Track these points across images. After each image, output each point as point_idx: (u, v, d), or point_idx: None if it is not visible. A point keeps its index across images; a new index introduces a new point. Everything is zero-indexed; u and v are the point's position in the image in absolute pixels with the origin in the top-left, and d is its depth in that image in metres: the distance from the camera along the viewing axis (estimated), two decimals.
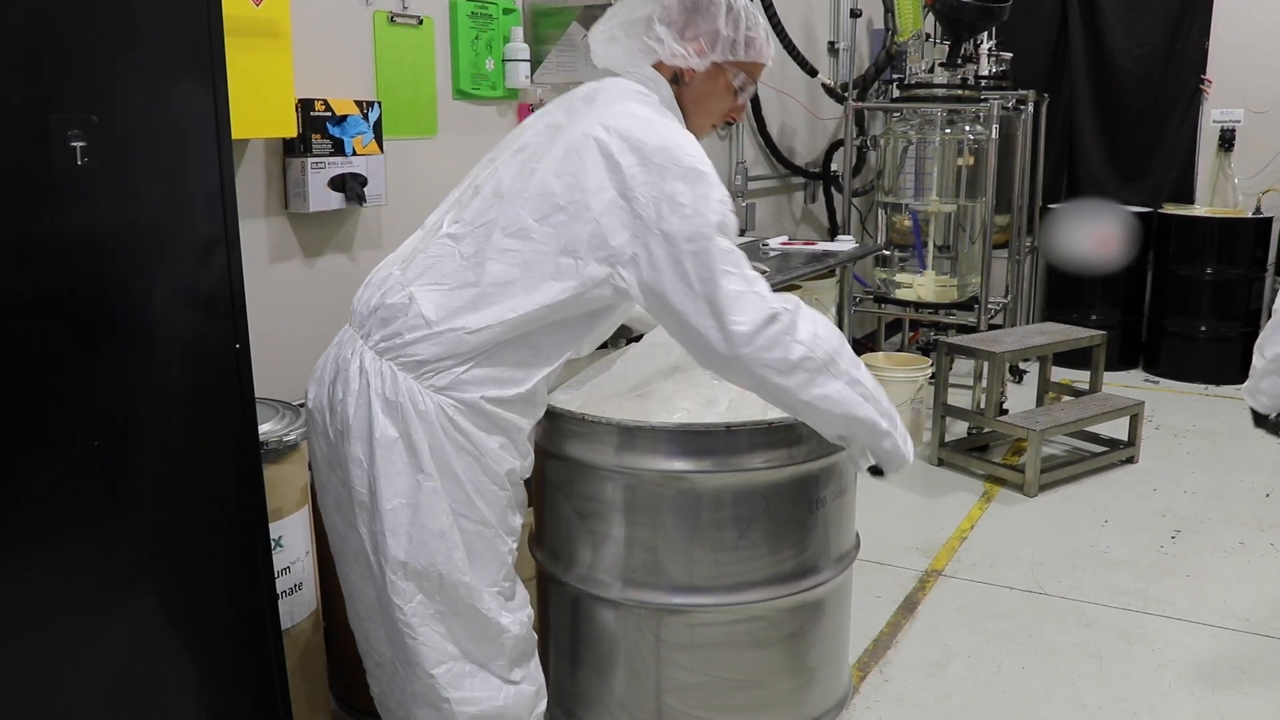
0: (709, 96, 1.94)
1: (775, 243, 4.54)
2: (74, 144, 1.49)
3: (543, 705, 1.98)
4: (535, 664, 1.97)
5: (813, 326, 1.77)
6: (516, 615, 1.89)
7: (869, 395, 1.83)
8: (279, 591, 2.03)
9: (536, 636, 1.98)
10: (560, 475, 2.03)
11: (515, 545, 1.89)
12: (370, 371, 1.80)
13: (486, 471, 1.80)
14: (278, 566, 2.05)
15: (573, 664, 2.10)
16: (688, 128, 1.92)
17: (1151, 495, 4.22)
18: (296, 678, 2.16)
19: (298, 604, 2.25)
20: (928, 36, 5.45)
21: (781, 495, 1.96)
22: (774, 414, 1.91)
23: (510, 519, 1.86)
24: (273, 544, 1.99)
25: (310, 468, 1.97)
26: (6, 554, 1.48)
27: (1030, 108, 5.22)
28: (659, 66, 1.91)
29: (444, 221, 1.87)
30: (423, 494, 1.77)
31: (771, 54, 1.96)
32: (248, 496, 1.85)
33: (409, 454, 1.77)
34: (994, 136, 4.91)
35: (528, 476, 1.91)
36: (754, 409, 2.13)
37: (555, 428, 2.00)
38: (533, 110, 3.45)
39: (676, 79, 1.91)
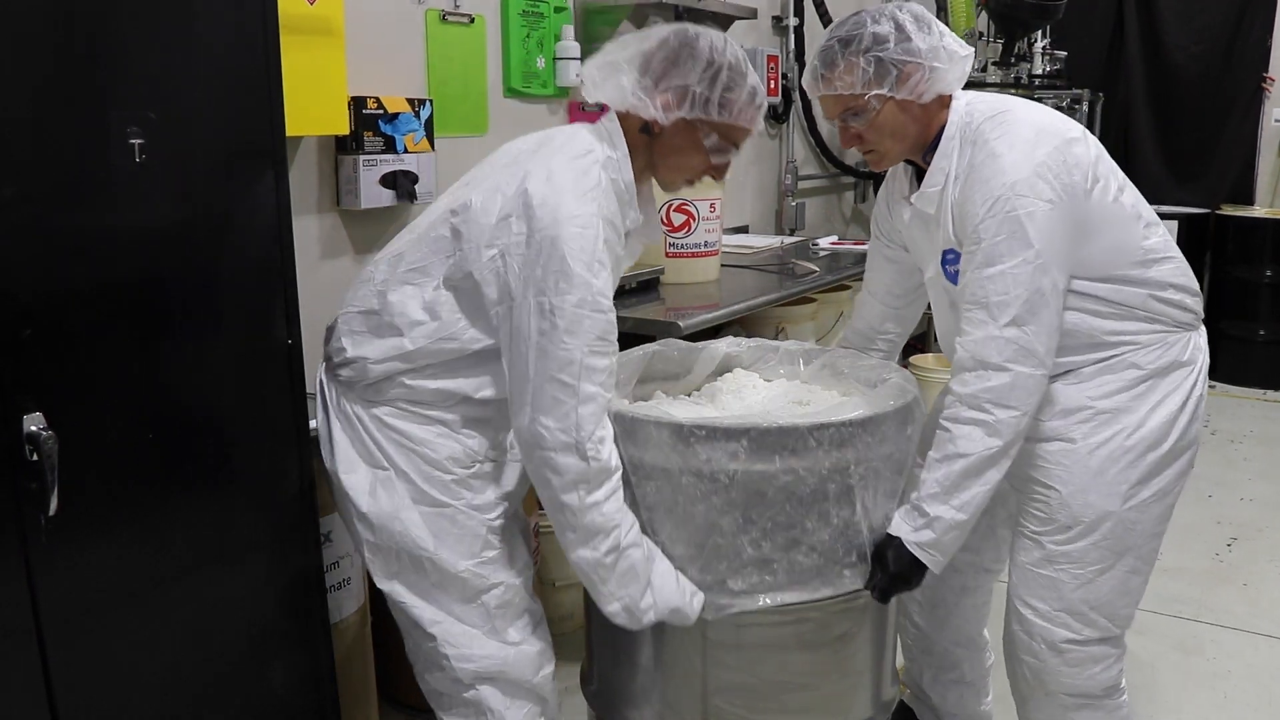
0: (678, 152, 1.90)
1: (825, 242, 4.50)
2: (132, 141, 1.50)
3: (550, 667, 2.02)
4: (539, 627, 2.01)
5: (606, 495, 1.76)
6: (499, 579, 1.94)
7: (606, 583, 1.82)
8: (327, 586, 2.04)
9: (538, 602, 2.02)
10: None
11: (496, 516, 1.93)
12: (322, 383, 1.96)
13: (427, 460, 1.88)
14: (326, 561, 2.07)
15: (618, 663, 2.09)
16: (658, 179, 1.96)
17: (1207, 501, 4.13)
18: (343, 671, 2.17)
19: (346, 598, 2.26)
20: (981, 34, 5.38)
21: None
22: (831, 415, 1.88)
23: (475, 496, 1.91)
24: (322, 538, 2.00)
25: None
26: (63, 544, 1.49)
27: (1085, 107, 5.14)
28: (629, 112, 1.88)
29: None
30: (376, 480, 1.89)
31: (757, 120, 1.91)
32: (298, 490, 1.87)
33: (357, 452, 1.90)
34: None
35: (490, 452, 1.95)
36: (824, 404, 2.12)
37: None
38: (582, 108, 3.47)
39: (648, 129, 1.88)
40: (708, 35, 1.86)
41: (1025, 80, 5.14)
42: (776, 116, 4.92)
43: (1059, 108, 4.96)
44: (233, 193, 1.68)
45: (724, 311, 3.05)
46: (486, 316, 1.83)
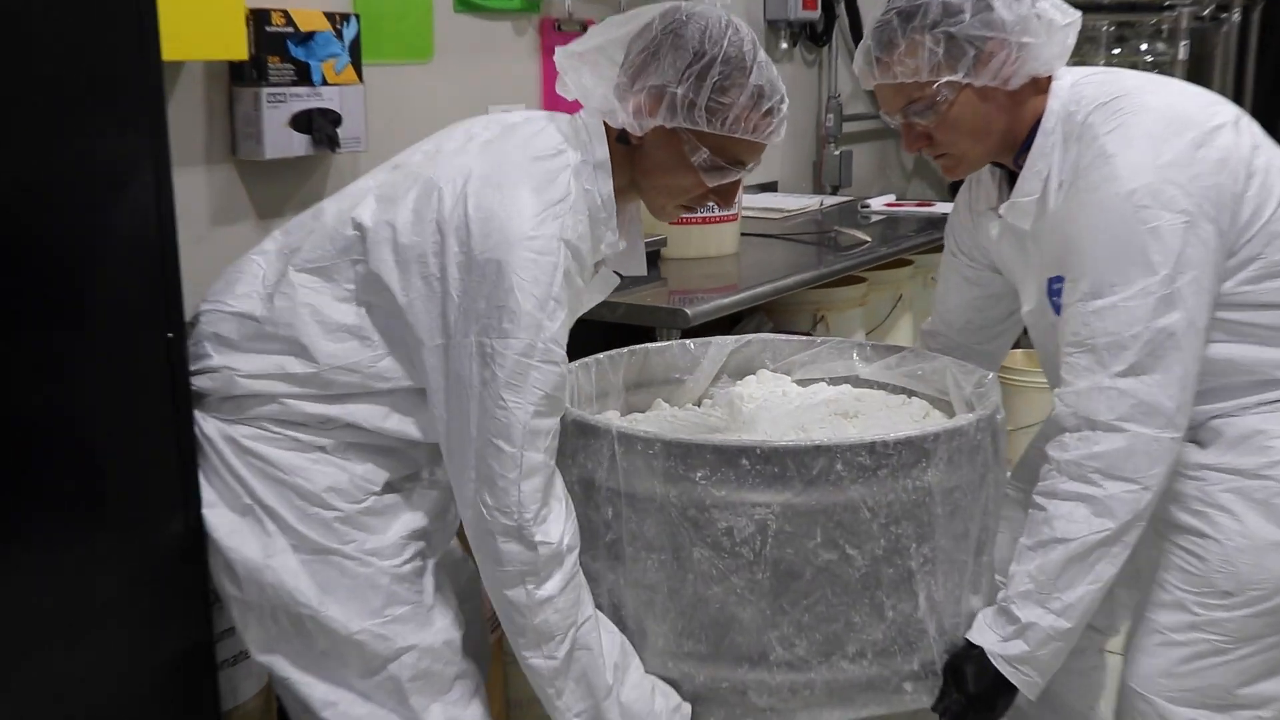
0: (661, 170, 1.92)
1: (878, 203, 4.50)
2: None
3: None
4: (474, 700, 2.01)
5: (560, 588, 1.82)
6: (410, 643, 1.93)
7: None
8: (219, 661, 2.04)
9: (471, 663, 2.02)
10: (598, 513, 2.01)
11: (403, 561, 1.94)
12: None
13: (300, 494, 1.89)
14: (219, 628, 2.05)
15: None
16: (645, 203, 2.00)
17: None
18: None
19: (243, 677, 2.25)
20: None
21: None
22: (878, 432, 1.87)
23: (370, 538, 1.92)
24: (213, 598, 1.99)
25: None
26: None
27: (1236, 16, 5.10)
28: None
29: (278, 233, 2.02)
30: (239, 518, 1.90)
31: (766, 129, 1.90)
32: (181, 533, 1.86)
33: (211, 483, 1.91)
34: (1183, 58, 4.81)
35: (392, 481, 1.97)
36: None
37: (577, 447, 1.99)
38: (558, 27, 3.46)
39: (625, 138, 1.89)
40: (702, 19, 1.86)
41: None
42: (815, 38, 4.92)
43: (1199, 19, 4.91)
44: (90, 137, 1.66)
45: (744, 295, 3.07)
46: (407, 350, 1.86)
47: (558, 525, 1.81)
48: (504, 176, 1.80)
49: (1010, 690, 1.94)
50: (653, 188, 1.95)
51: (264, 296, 1.91)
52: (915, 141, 2.03)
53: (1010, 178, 2.07)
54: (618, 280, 2.12)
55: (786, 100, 1.92)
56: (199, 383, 1.91)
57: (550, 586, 1.80)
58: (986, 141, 2.00)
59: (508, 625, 1.85)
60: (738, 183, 1.96)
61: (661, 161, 1.90)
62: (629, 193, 1.96)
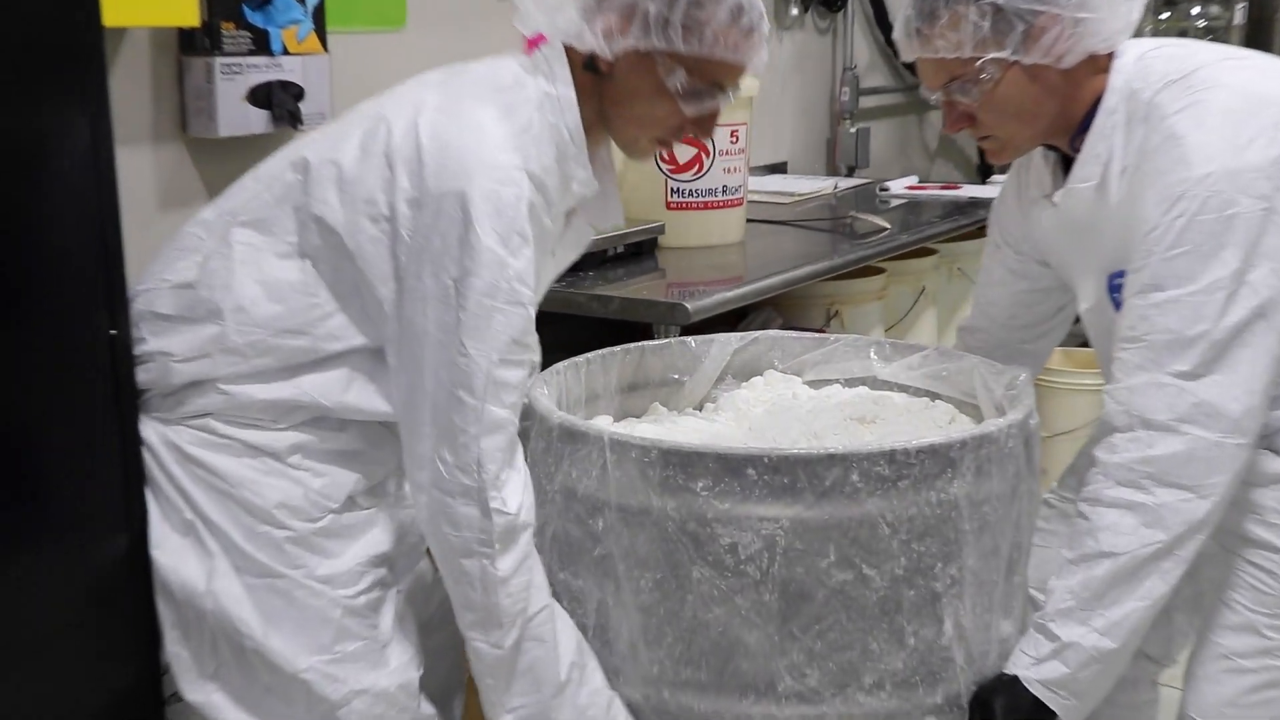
0: (634, 98, 1.93)
1: (899, 186, 4.49)
2: None
3: None
4: None
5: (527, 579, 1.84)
6: (362, 685, 1.91)
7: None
8: (165, 696, 2.02)
9: (427, 711, 2.01)
10: (586, 525, 2.01)
11: (358, 591, 1.92)
12: None
13: (248, 509, 1.88)
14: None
15: None
16: (615, 139, 2.01)
17: None
18: None
19: (192, 712, 2.24)
20: None
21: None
22: (895, 442, 1.87)
23: (324, 562, 1.91)
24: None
25: None
26: None
27: None
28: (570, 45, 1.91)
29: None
30: (179, 538, 1.90)
31: (746, 49, 1.90)
32: (125, 550, 1.86)
33: (151, 493, 1.90)
34: (1239, 22, 4.81)
35: (352, 498, 1.95)
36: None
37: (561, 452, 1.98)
38: None
39: (593, 65, 1.89)
40: None
41: None
42: (830, 4, 4.92)
43: None
44: (23, 112, 1.66)
45: (751, 288, 3.06)
46: (361, 301, 1.85)
47: (515, 496, 1.80)
48: (460, 106, 1.81)
49: (1047, 717, 1.93)
50: (624, 119, 1.96)
51: (201, 261, 1.90)
52: (957, 122, 2.03)
53: (1065, 162, 2.06)
54: (593, 234, 2.13)
55: (767, 20, 1.93)
56: (135, 374, 1.89)
57: (506, 563, 1.80)
58: (1035, 125, 2.00)
59: (457, 599, 1.85)
60: (716, 112, 1.97)
61: (634, 89, 1.91)
62: (599, 130, 1.96)
